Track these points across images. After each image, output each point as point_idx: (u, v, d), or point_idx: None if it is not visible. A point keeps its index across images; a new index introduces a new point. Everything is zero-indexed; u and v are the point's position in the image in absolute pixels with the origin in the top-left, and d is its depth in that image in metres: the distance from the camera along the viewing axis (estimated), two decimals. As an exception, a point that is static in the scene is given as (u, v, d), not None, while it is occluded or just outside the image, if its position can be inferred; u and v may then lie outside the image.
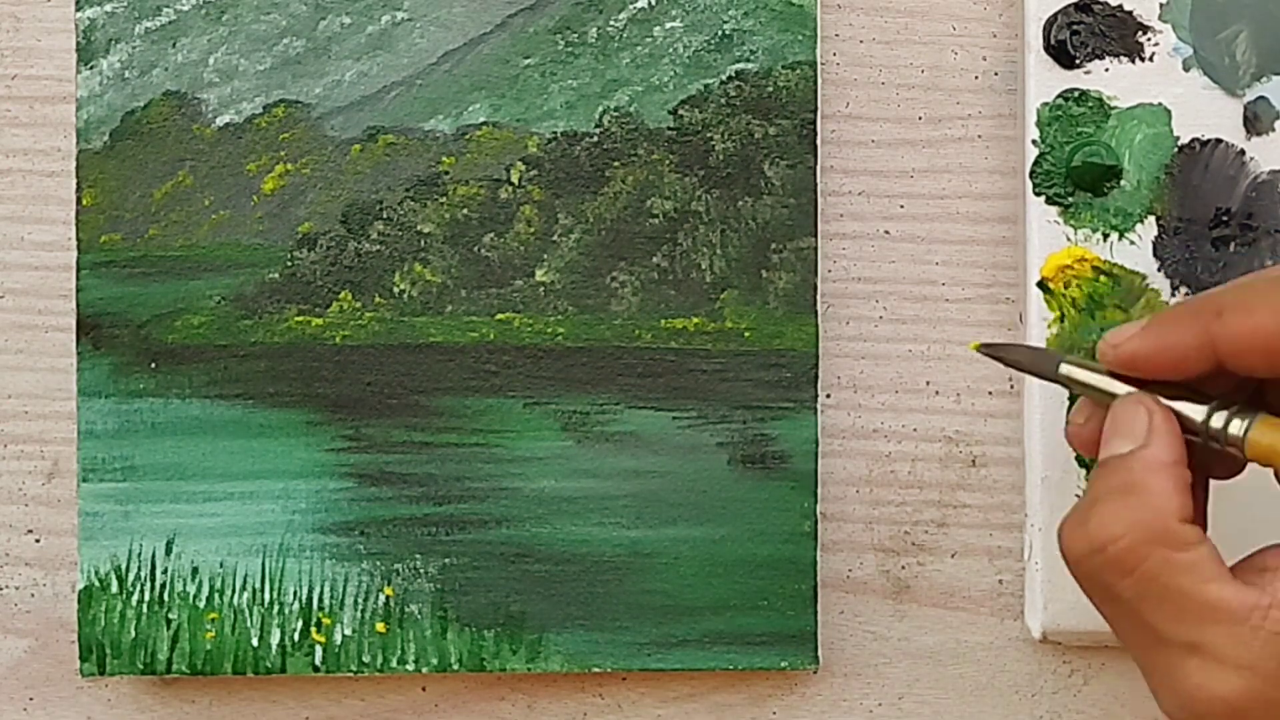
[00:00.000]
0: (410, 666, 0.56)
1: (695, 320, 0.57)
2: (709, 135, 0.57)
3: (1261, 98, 0.56)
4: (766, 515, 0.56)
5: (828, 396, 0.58)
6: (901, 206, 0.58)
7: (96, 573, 0.56)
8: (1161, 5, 0.56)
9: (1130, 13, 0.56)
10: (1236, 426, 0.43)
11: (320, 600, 0.56)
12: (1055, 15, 0.56)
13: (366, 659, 0.56)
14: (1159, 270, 0.56)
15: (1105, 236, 0.56)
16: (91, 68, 0.57)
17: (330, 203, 0.57)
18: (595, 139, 0.57)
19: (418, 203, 0.57)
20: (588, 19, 0.57)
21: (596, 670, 0.57)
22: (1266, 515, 0.56)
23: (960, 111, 0.58)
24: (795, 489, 0.56)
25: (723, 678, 0.58)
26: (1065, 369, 0.47)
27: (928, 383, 0.58)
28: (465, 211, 0.57)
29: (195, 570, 0.56)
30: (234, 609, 0.56)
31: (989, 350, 0.49)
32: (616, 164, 0.57)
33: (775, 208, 0.57)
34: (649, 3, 0.57)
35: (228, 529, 0.56)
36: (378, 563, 0.56)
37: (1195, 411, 0.44)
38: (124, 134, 0.57)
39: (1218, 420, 0.44)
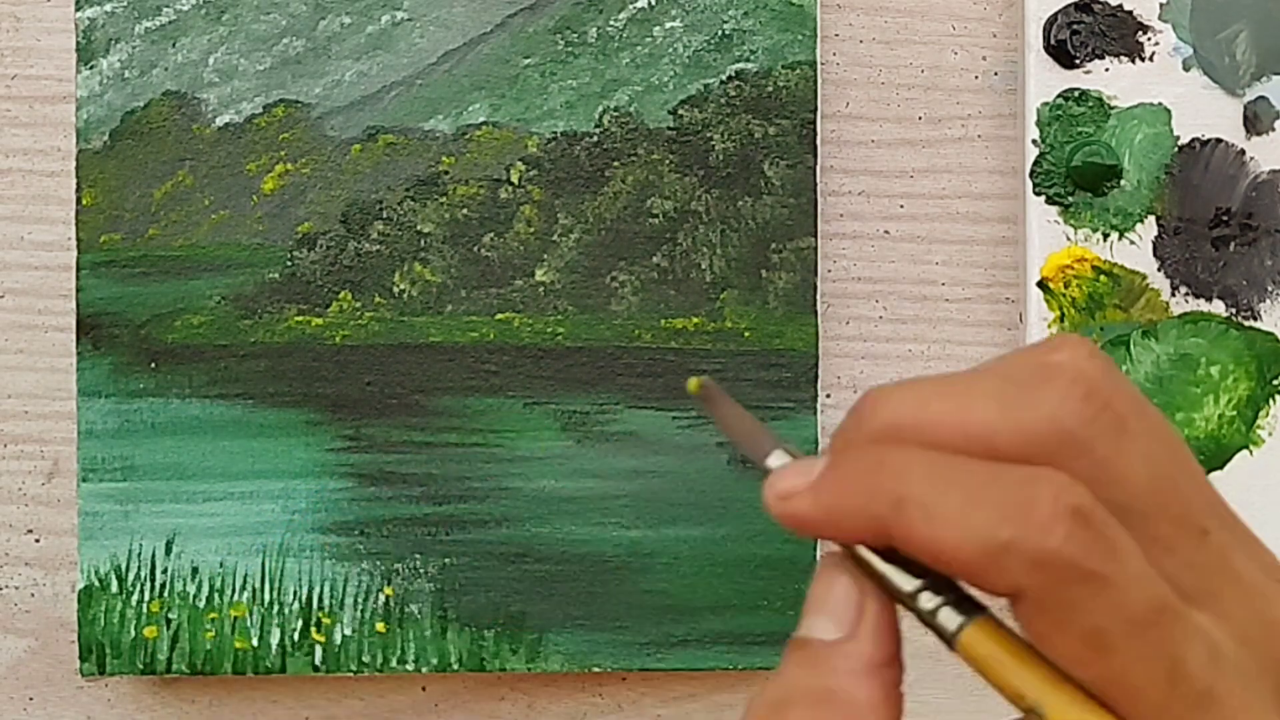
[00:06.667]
0: (410, 666, 0.56)
1: (695, 320, 0.57)
2: (709, 135, 0.57)
3: (1261, 98, 0.56)
4: (766, 515, 0.56)
5: (828, 396, 0.58)
6: (901, 206, 0.58)
7: (96, 573, 0.56)
8: (1161, 5, 0.56)
9: (1130, 13, 0.56)
10: (948, 618, 0.35)
11: (320, 600, 0.56)
12: (1055, 15, 0.56)
13: (366, 659, 0.56)
14: (1159, 270, 0.56)
15: (1105, 236, 0.56)
16: (91, 68, 0.57)
17: (330, 203, 0.57)
18: (595, 139, 0.57)
19: (418, 202, 0.57)
20: (587, 19, 0.57)
21: (596, 670, 0.57)
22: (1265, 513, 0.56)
23: (960, 111, 0.58)
24: (795, 489, 0.56)
25: (723, 678, 0.57)
26: (775, 461, 0.38)
27: (928, 383, 0.58)
28: (465, 211, 0.57)
29: (195, 570, 0.56)
30: (234, 608, 0.56)
31: (707, 393, 0.38)
32: (616, 164, 0.57)
33: (775, 207, 0.57)
34: (649, 3, 0.57)
35: (228, 529, 0.56)
36: (378, 562, 0.56)
37: (906, 582, 0.35)
38: (124, 134, 0.57)
39: (927, 602, 0.35)
